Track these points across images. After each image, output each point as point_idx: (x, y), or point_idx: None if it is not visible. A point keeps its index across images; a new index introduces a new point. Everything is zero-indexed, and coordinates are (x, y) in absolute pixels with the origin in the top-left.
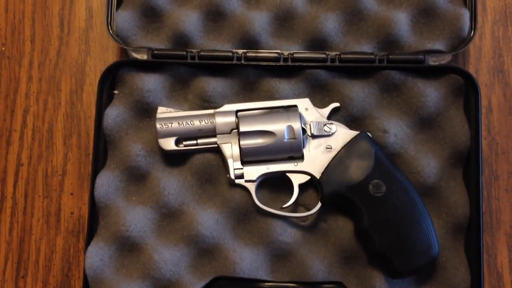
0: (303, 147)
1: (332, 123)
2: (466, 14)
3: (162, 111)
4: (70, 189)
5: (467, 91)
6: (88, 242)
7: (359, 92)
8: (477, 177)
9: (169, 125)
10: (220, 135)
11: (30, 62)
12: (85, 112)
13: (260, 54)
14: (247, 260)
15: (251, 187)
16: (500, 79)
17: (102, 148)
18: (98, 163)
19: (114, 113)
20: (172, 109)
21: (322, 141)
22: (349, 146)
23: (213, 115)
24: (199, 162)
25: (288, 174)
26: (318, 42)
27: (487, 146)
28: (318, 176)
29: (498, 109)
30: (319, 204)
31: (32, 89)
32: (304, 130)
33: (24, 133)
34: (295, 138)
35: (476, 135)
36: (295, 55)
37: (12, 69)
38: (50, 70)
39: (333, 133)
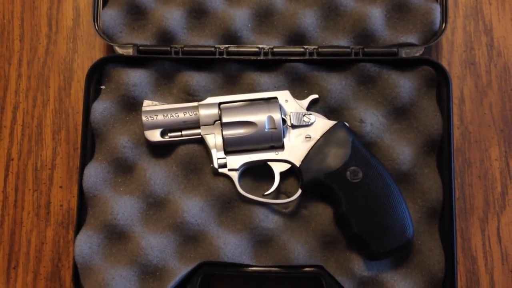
0: (283, 136)
1: (311, 114)
2: (437, 8)
3: (148, 104)
4: (59, 182)
5: (439, 82)
6: (77, 233)
7: (336, 84)
8: (450, 164)
9: (155, 117)
10: (203, 127)
11: (20, 60)
12: (73, 108)
13: (241, 49)
14: (231, 245)
15: (234, 176)
16: (472, 71)
17: (90, 142)
18: (86, 156)
19: (101, 107)
20: (157, 103)
21: (301, 131)
22: (327, 135)
23: (197, 107)
24: (183, 153)
25: (269, 163)
26: (297, 37)
27: (460, 135)
28: (298, 164)
29: (470, 100)
30: (300, 191)
31: (21, 87)
32: (284, 121)
33: (14, 129)
34: (275, 128)
35: (448, 124)
36: (275, 49)
37: (2, 67)
38: (39, 68)
39: (312, 123)
